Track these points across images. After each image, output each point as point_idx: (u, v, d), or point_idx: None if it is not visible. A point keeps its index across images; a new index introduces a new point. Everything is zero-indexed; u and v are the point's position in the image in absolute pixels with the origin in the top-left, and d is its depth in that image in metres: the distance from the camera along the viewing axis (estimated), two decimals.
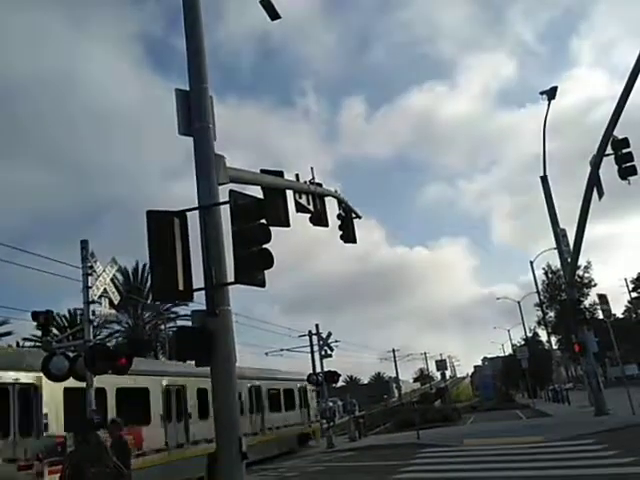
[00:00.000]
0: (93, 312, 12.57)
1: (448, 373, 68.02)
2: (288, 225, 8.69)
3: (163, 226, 6.22)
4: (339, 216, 11.68)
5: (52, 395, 12.39)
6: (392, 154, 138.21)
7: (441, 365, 44.07)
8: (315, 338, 29.91)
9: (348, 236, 11.78)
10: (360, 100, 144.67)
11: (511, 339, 63.39)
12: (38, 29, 76.84)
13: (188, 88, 6.99)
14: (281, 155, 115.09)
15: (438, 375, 69.61)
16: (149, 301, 41.88)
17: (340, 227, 11.74)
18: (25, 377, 12.18)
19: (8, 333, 39.40)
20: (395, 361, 67.85)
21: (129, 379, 13.30)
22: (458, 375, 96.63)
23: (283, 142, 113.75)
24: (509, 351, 66.76)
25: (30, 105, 76.93)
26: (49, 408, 12.28)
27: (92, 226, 74.08)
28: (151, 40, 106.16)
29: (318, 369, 28.82)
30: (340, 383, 43.91)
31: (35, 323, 12.83)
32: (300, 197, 9.45)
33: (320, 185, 10.31)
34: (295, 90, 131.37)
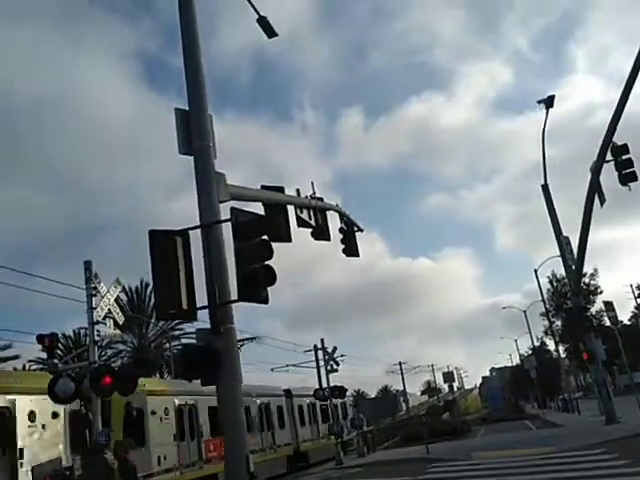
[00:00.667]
0: (98, 333, 12.57)
1: (456, 385, 67.55)
2: (290, 240, 8.69)
3: (166, 245, 6.23)
4: (341, 230, 11.68)
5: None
6: (392, 165, 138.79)
7: (448, 377, 43.74)
8: (321, 353, 29.79)
9: (350, 250, 11.78)
10: (358, 111, 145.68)
11: (518, 349, 63.15)
12: (35, 47, 77.72)
13: (187, 107, 7.04)
14: (280, 169, 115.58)
15: (446, 387, 69.21)
16: (153, 320, 41.83)
17: (342, 241, 11.73)
18: None
19: (15, 357, 39.34)
20: (402, 374, 67.54)
21: None
22: (466, 387, 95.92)
23: (282, 156, 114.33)
24: (517, 361, 66.41)
25: (30, 124, 77.51)
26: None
27: (94, 245, 74.30)
28: (147, 57, 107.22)
29: (324, 384, 28.66)
30: (347, 398, 43.85)
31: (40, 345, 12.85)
32: (301, 212, 9.47)
33: (321, 199, 10.34)
34: (293, 104, 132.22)
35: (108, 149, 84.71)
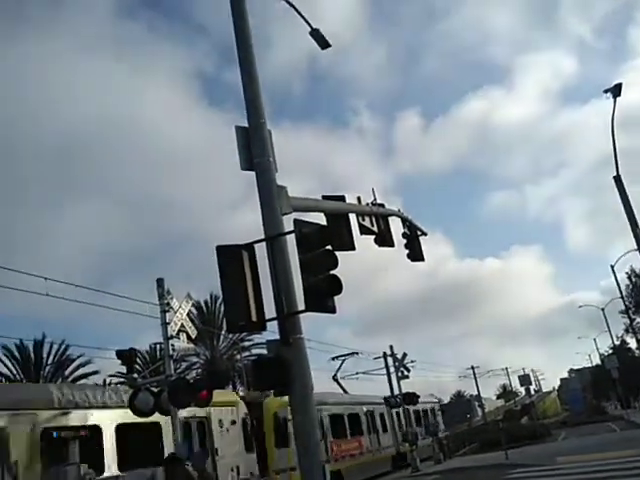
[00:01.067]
0: (173, 347, 13.01)
1: (532, 388, 65.34)
2: (353, 249, 8.70)
3: (233, 260, 6.40)
4: (404, 235, 11.58)
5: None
6: (453, 164, 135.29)
7: (525, 380, 42.50)
8: (390, 359, 29.57)
9: (415, 254, 11.66)
10: (414, 113, 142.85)
11: (598, 348, 60.35)
12: (104, 79, 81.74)
13: (246, 123, 7.21)
14: (339, 175, 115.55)
15: (522, 390, 66.98)
16: (223, 331, 42.75)
17: (406, 246, 11.63)
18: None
19: (96, 372, 41.14)
20: (475, 378, 65.91)
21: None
22: (543, 389, 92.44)
23: (340, 162, 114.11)
24: (597, 361, 63.51)
25: (101, 148, 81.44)
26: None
27: (163, 261, 76.88)
28: (205, 77, 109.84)
29: (396, 391, 28.43)
30: (435, 403, 44.06)
31: (118, 360, 13.41)
32: (363, 219, 9.46)
33: (382, 205, 10.30)
34: (348, 110, 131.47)
35: (173, 167, 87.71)
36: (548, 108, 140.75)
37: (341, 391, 28.75)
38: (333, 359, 29.34)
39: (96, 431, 11.80)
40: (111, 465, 11.65)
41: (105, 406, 12.28)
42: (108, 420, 12.06)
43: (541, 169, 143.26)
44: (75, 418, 11.46)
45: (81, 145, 73.27)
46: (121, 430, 12.22)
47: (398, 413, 29.39)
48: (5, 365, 39.97)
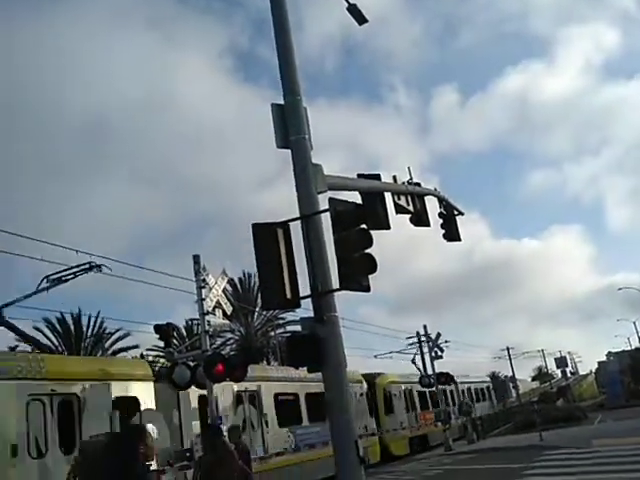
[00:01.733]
0: (208, 323, 13.23)
1: (569, 370, 64.37)
2: (389, 228, 8.64)
3: (268, 238, 6.43)
4: (440, 214, 11.43)
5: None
6: (490, 141, 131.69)
7: (561, 362, 41.93)
8: (424, 339, 29.50)
9: (451, 234, 11.51)
10: (452, 89, 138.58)
11: (638, 331, 58.93)
12: (134, 51, 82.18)
13: (281, 100, 7.18)
14: (374, 153, 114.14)
15: (558, 373, 66.07)
16: (257, 309, 43.27)
17: (442, 225, 11.49)
18: None
19: (135, 346, 42.24)
20: (510, 359, 65.38)
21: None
22: (580, 372, 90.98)
23: (375, 139, 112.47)
24: (636, 344, 62.08)
25: (132, 124, 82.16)
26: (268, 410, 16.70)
27: (194, 237, 77.79)
28: (240, 52, 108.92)
29: (429, 371, 28.41)
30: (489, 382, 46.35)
31: (155, 335, 13.74)
32: (399, 198, 9.38)
33: (419, 185, 10.19)
34: (384, 85, 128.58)
35: (207, 144, 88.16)
36: (590, 83, 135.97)
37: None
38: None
39: (296, 396, 18.23)
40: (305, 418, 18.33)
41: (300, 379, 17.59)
42: (301, 390, 18.18)
43: (582, 147, 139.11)
44: (289, 387, 17.88)
45: (111, 120, 74.18)
46: (308, 397, 18.31)
47: (463, 391, 36.14)
48: (47, 337, 41.39)
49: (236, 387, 15.07)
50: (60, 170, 67.19)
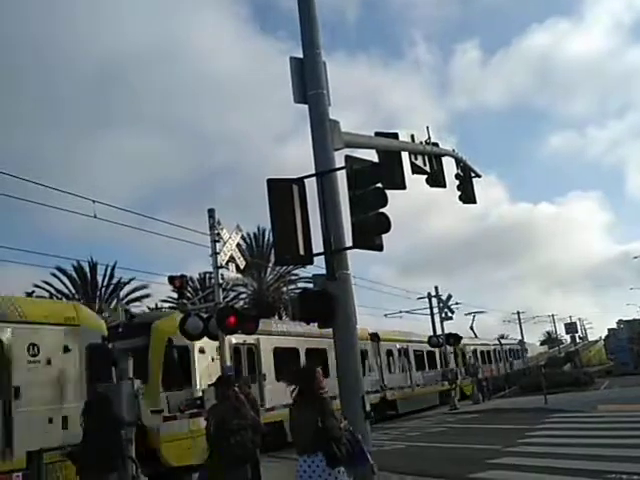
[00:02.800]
0: (222, 276, 13.38)
1: (578, 336, 64.65)
2: (404, 188, 8.56)
3: (283, 193, 6.43)
4: (457, 176, 11.30)
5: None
6: (511, 102, 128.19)
7: (571, 328, 42.14)
8: (435, 300, 29.67)
9: (467, 196, 11.42)
10: (474, 46, 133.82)
11: None
12: None
13: (299, 52, 7.05)
14: (392, 110, 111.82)
15: (567, 338, 66.29)
16: (270, 264, 43.59)
17: (458, 187, 11.37)
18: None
19: (147, 295, 42.95)
20: (520, 323, 65.57)
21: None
22: (590, 338, 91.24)
23: (394, 96, 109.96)
24: None
25: (143, 73, 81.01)
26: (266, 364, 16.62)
27: (209, 192, 77.58)
28: (256, 1, 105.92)
29: (439, 331, 28.67)
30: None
31: (168, 286, 13.93)
32: (416, 158, 9.26)
33: (436, 145, 10.03)
34: (404, 40, 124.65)
35: (220, 96, 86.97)
36: (618, 44, 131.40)
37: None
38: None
39: (296, 351, 17.86)
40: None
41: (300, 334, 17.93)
42: (303, 344, 18.18)
43: (606, 110, 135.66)
44: (289, 342, 17.73)
45: (124, 70, 73.11)
46: (309, 352, 18.12)
47: (499, 351, 44.40)
48: (64, 284, 42.16)
49: (234, 340, 14.90)
50: (71, 120, 66.88)
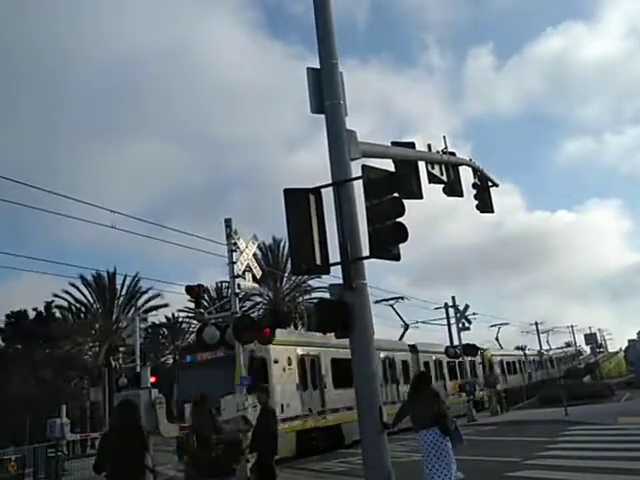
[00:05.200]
0: (238, 286, 13.42)
1: (597, 347, 63.69)
2: (421, 197, 8.55)
3: (300, 203, 6.42)
4: (474, 185, 11.26)
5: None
6: (525, 108, 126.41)
7: (590, 339, 41.48)
8: (452, 310, 29.44)
9: (484, 205, 11.35)
10: (487, 51, 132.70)
11: None
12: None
13: (309, 60, 7.07)
14: (405, 116, 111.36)
15: (587, 349, 65.30)
16: (286, 274, 43.63)
17: (476, 196, 11.32)
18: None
19: (166, 305, 43.22)
20: (538, 334, 64.80)
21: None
22: (610, 349, 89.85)
23: (406, 102, 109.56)
24: None
25: (152, 77, 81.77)
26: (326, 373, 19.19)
27: (221, 199, 77.89)
28: (266, 5, 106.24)
29: (455, 342, 28.42)
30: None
31: (183, 295, 13.99)
32: (433, 167, 9.23)
33: (453, 154, 10.01)
34: (415, 43, 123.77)
35: (229, 101, 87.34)
36: (635, 47, 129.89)
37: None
38: (377, 302, 29.88)
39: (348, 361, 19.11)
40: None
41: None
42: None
43: (622, 116, 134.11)
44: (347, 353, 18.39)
45: (134, 77, 73.84)
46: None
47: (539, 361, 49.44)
48: (83, 294, 42.53)
49: (300, 351, 18.32)
50: (78, 126, 67.42)
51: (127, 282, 41.72)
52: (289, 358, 17.64)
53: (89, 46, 70.85)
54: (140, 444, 6.63)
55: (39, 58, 65.25)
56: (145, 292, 41.69)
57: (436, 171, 9.27)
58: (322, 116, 6.90)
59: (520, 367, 44.50)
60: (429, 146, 9.29)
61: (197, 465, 6.67)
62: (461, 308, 28.98)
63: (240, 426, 9.69)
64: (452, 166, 9.85)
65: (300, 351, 18.31)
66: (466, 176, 10.58)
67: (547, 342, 62.04)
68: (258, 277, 14.28)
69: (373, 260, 6.57)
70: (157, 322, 45.72)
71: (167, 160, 72.85)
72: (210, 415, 7.33)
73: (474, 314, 31.12)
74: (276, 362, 16.78)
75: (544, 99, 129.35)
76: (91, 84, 67.60)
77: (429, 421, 7.36)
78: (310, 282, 43.77)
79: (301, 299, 44.57)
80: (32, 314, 40.35)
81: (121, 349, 38.58)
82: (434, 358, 28.36)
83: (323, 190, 6.63)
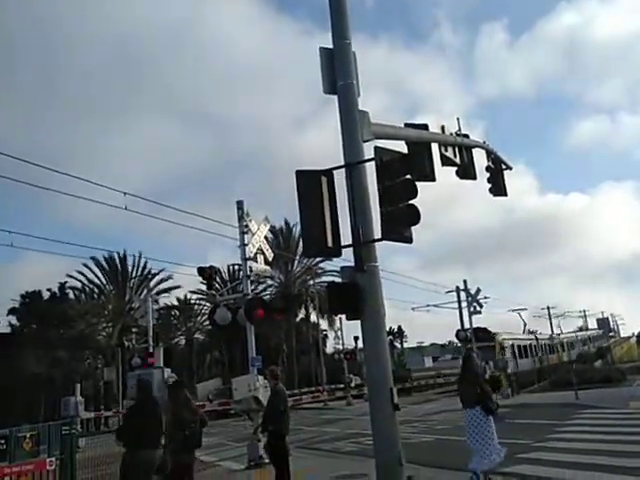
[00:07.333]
0: (250, 268, 13.46)
1: (609, 331, 63.46)
2: (434, 179, 8.47)
3: (311, 184, 6.40)
4: (488, 168, 11.13)
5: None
6: (538, 87, 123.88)
7: (603, 324, 41.28)
8: (463, 294, 29.42)
9: (498, 189, 11.24)
10: (500, 27, 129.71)
11: None
12: None
13: (318, 38, 7.01)
14: (416, 94, 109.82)
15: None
16: (297, 257, 43.67)
17: (489, 180, 11.20)
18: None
19: (178, 287, 43.53)
20: (550, 318, 64.58)
21: None
22: (622, 334, 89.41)
23: (418, 80, 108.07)
24: None
25: (160, 58, 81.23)
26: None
27: (228, 180, 77.44)
28: None
29: (467, 325, 28.45)
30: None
31: (195, 277, 14.06)
32: (446, 150, 9.15)
33: (467, 136, 9.90)
34: (428, 22, 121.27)
35: (236, 78, 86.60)
36: None
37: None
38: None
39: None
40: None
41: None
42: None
43: (638, 95, 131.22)
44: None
45: (139, 54, 73.25)
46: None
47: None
48: (96, 275, 42.90)
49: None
50: (91, 106, 67.13)
51: (139, 263, 42.04)
52: None
53: (93, 25, 70.27)
54: (159, 417, 7.54)
55: (43, 43, 64.85)
56: (157, 274, 42.00)
57: (449, 153, 9.19)
58: (332, 95, 6.85)
59: (531, 351, 44.65)
60: (442, 128, 9.20)
61: (171, 441, 7.57)
62: (472, 292, 28.95)
63: (252, 406, 9.90)
64: (465, 148, 9.74)
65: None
66: (478, 158, 10.47)
67: (559, 326, 61.65)
68: (270, 259, 14.31)
69: (382, 242, 6.56)
70: (169, 304, 46.10)
71: (172, 141, 72.69)
72: (185, 397, 8.20)
73: (485, 298, 31.09)
74: None
75: (559, 78, 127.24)
76: (89, 65, 67.27)
77: (473, 400, 7.99)
78: (321, 265, 43.87)
79: (312, 282, 44.67)
80: (46, 295, 40.85)
81: (134, 330, 39.00)
82: None
83: (335, 172, 6.60)
